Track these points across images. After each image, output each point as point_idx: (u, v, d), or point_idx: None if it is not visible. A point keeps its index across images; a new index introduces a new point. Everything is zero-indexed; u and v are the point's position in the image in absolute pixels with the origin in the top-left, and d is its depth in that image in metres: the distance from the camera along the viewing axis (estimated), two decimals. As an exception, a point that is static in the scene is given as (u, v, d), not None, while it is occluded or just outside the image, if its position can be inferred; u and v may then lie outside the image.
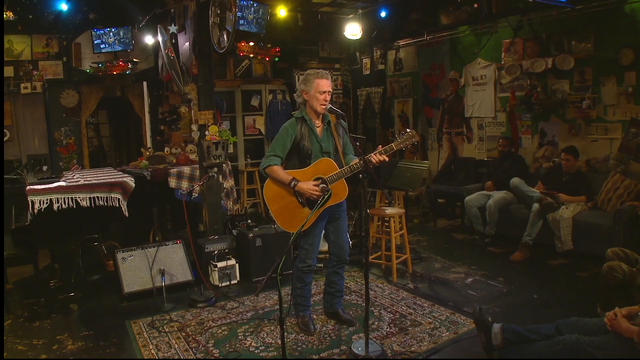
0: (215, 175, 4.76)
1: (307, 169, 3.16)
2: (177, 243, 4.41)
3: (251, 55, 6.99)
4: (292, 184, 3.08)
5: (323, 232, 3.39)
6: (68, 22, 6.76)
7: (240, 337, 3.34)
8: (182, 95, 5.76)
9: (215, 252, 4.41)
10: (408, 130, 3.09)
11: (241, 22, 5.06)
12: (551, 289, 4.09)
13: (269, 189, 3.19)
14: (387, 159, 3.01)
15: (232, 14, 4.36)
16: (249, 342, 3.26)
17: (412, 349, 3.10)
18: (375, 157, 2.98)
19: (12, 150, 6.58)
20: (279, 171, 3.14)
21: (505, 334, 2.69)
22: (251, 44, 6.85)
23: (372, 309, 3.71)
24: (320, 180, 3.11)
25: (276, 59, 7.25)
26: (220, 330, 3.46)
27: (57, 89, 6.84)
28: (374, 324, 3.46)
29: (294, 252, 3.44)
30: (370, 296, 3.08)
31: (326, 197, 2.94)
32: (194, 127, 4.95)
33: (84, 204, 3.93)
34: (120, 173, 4.68)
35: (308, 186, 3.07)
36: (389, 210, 4.57)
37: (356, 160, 3.05)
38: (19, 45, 6.52)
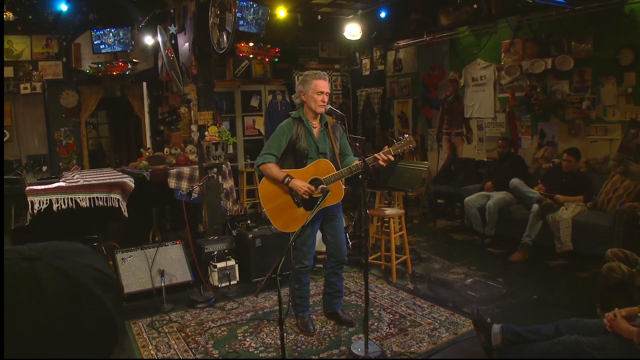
0: (215, 175, 4.76)
1: (305, 169, 3.16)
2: (176, 243, 4.41)
3: (251, 56, 6.99)
4: (286, 180, 3.06)
5: (319, 232, 3.39)
6: (68, 22, 6.76)
7: (239, 337, 3.34)
8: (181, 96, 5.77)
9: (215, 253, 4.41)
10: (406, 135, 3.10)
11: (241, 22, 5.07)
12: (551, 290, 4.09)
13: (265, 187, 3.18)
14: (392, 158, 3.03)
15: (232, 15, 4.36)
16: (249, 342, 3.26)
17: (412, 349, 3.10)
18: (383, 156, 2.99)
19: (11, 150, 6.58)
20: (273, 168, 3.13)
21: (504, 335, 2.69)
22: (251, 44, 6.86)
23: (372, 309, 3.71)
24: (317, 182, 3.11)
25: (276, 60, 7.26)
26: (219, 331, 3.45)
27: (56, 89, 6.84)
28: (373, 325, 3.46)
29: (293, 253, 3.46)
30: (369, 297, 3.07)
31: (326, 197, 2.94)
32: (194, 128, 4.95)
33: (84, 204, 3.93)
34: (120, 173, 4.69)
35: (302, 184, 3.05)
36: (389, 211, 4.57)
37: (357, 161, 3.05)
38: (18, 45, 6.52)
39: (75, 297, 0.68)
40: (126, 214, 4.14)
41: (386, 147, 3.08)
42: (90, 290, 0.69)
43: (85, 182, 4.08)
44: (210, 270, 4.38)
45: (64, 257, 0.71)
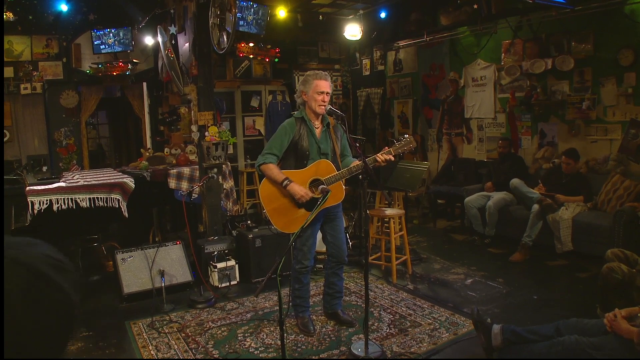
0: (215, 176, 4.76)
1: (306, 170, 3.16)
2: (176, 244, 4.41)
3: (251, 56, 6.99)
4: (284, 183, 3.06)
5: (319, 233, 3.39)
6: (68, 22, 6.76)
7: (239, 338, 3.34)
8: (181, 96, 5.76)
9: (215, 253, 4.41)
10: (406, 135, 3.11)
11: (241, 23, 5.07)
12: (551, 290, 4.09)
13: (265, 188, 3.17)
14: (392, 158, 3.02)
15: (232, 15, 4.37)
16: (249, 343, 3.26)
17: (412, 349, 3.10)
18: (382, 157, 2.99)
19: (11, 150, 6.58)
20: (273, 169, 3.13)
21: (504, 335, 2.69)
22: (251, 44, 6.86)
23: (372, 309, 3.71)
24: (317, 183, 3.11)
25: (276, 60, 7.26)
26: (219, 331, 3.45)
27: (56, 89, 6.84)
28: (373, 325, 3.46)
29: (293, 253, 3.47)
30: (370, 297, 3.07)
31: (326, 197, 2.93)
32: (194, 128, 4.95)
33: (84, 204, 3.93)
34: (120, 174, 4.68)
35: (299, 189, 3.05)
36: (389, 211, 4.57)
37: (356, 162, 3.05)
38: (18, 45, 6.52)
39: (31, 282, 0.71)
40: (126, 214, 4.14)
41: (386, 147, 3.08)
42: (45, 275, 0.73)
43: (85, 183, 4.08)
44: (211, 270, 4.38)
45: (17, 248, 0.74)
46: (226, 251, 4.47)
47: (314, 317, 3.57)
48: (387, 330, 3.38)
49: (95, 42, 6.78)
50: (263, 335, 3.36)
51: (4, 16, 6.13)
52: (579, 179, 4.99)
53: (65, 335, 0.77)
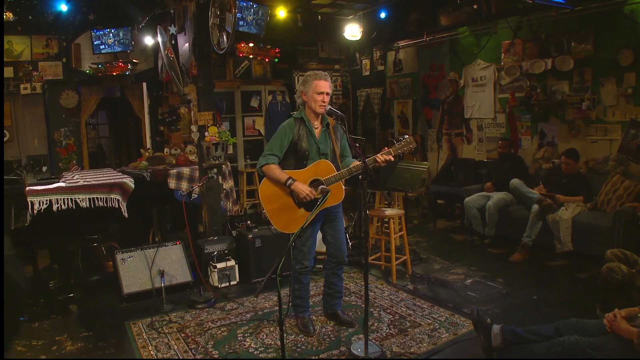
0: (215, 176, 4.76)
1: (306, 170, 3.16)
2: (176, 244, 4.41)
3: (251, 56, 7.00)
4: (288, 183, 3.06)
5: (319, 233, 3.39)
6: (68, 22, 6.77)
7: (239, 338, 3.34)
8: (181, 96, 5.76)
9: (215, 253, 4.41)
10: (406, 135, 3.11)
11: (241, 23, 5.07)
12: (551, 290, 4.09)
13: (265, 188, 3.17)
14: (392, 158, 3.02)
15: (232, 15, 4.37)
16: (249, 343, 3.26)
17: (412, 350, 3.10)
18: (382, 157, 2.99)
19: (11, 150, 6.59)
20: (275, 170, 3.13)
21: (504, 335, 2.69)
22: (251, 44, 6.86)
23: (372, 310, 3.71)
24: (317, 183, 3.11)
25: (276, 60, 7.26)
26: (219, 332, 3.45)
27: (56, 89, 6.84)
28: (373, 325, 3.46)
29: (293, 253, 3.48)
30: (369, 297, 3.07)
31: (326, 197, 2.93)
32: (194, 128, 4.95)
33: (84, 204, 3.92)
34: (120, 174, 4.68)
35: (304, 188, 3.06)
36: (389, 211, 4.57)
37: (356, 162, 3.05)
38: (18, 45, 6.52)
39: None
40: (126, 215, 4.13)
41: (386, 148, 3.09)
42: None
43: (85, 183, 4.08)
44: (210, 270, 4.38)
45: None
46: (226, 251, 4.48)
47: (314, 317, 3.57)
48: (387, 331, 3.38)
49: (95, 42, 6.78)
50: (263, 336, 3.36)
51: (4, 16, 6.13)
52: (579, 179, 4.99)
53: (16, 311, 0.89)
